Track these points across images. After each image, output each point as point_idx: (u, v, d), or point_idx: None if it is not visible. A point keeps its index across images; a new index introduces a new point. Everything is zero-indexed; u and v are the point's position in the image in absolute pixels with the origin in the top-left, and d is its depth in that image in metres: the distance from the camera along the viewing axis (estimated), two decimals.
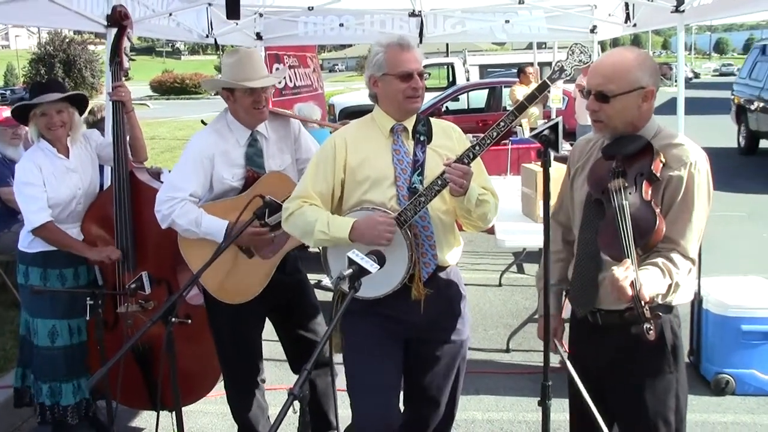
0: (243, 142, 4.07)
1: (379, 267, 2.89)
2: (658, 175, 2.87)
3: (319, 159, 3.51)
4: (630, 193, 2.88)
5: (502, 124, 3.20)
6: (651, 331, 2.57)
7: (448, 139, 3.53)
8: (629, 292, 2.59)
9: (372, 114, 3.55)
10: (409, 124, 3.47)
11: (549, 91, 13.38)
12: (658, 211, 2.83)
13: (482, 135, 3.22)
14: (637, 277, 2.62)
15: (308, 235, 3.39)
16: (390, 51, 3.39)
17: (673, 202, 2.89)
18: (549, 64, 15.40)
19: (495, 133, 3.20)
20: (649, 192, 2.86)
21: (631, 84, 2.93)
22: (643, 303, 2.59)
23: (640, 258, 2.82)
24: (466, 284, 3.65)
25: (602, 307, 3.10)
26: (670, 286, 2.82)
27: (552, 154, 2.92)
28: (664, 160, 2.90)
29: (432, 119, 3.60)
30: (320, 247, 3.52)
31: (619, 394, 3.14)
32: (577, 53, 3.19)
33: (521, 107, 3.24)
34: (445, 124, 3.63)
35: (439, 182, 3.20)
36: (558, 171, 5.90)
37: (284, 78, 12.02)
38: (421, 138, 3.45)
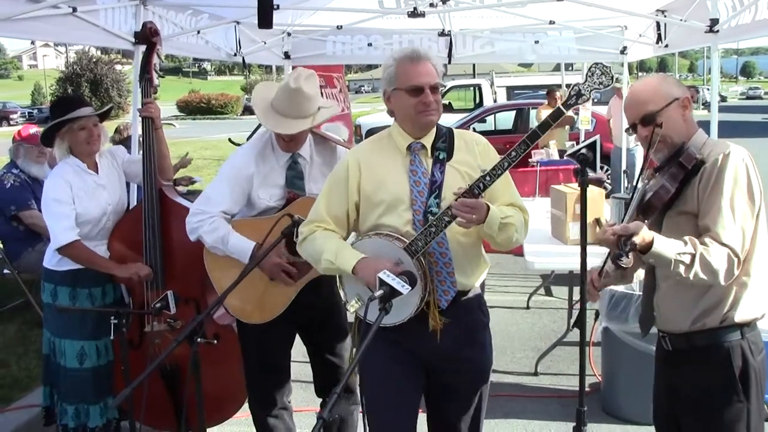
0: (282, 163, 4.06)
1: (410, 288, 2.83)
2: (689, 166, 2.89)
3: (332, 182, 3.41)
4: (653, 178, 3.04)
5: (513, 153, 3.00)
6: (623, 258, 2.62)
7: (470, 154, 3.33)
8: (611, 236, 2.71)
9: (389, 130, 3.40)
10: (429, 140, 3.31)
11: (577, 113, 13.41)
12: (674, 189, 2.89)
13: (495, 163, 3.04)
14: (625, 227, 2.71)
15: (317, 262, 3.33)
16: (400, 64, 3.24)
17: (707, 189, 2.87)
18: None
19: (506, 163, 3.02)
20: (676, 175, 2.90)
21: (666, 98, 3.02)
22: (625, 239, 2.65)
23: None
24: (493, 306, 3.57)
25: (666, 329, 3.13)
26: (693, 256, 2.74)
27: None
28: (700, 156, 2.92)
29: (456, 131, 3.42)
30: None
31: (688, 423, 3.08)
32: (597, 75, 3.00)
33: (534, 136, 3.02)
34: (468, 137, 3.45)
35: (449, 213, 3.04)
36: (590, 192, 5.87)
37: None
38: (440, 156, 3.29)
